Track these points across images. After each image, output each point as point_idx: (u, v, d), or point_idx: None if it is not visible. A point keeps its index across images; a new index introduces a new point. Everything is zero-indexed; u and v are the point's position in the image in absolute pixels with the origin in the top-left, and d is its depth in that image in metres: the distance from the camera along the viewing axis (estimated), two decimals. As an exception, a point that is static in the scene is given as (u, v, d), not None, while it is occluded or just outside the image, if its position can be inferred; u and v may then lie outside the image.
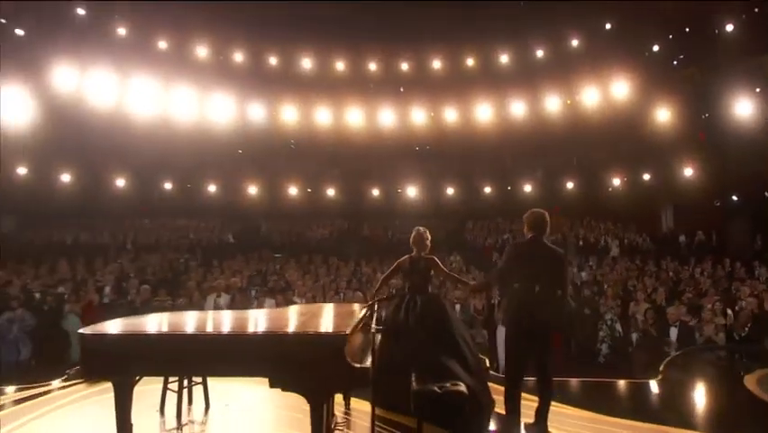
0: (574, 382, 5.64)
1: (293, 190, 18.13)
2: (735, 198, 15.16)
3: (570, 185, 18.05)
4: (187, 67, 17.51)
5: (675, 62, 16.31)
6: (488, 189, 18.92)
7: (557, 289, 3.87)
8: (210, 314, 4.19)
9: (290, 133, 18.62)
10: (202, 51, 17.99)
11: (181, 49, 17.81)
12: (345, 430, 3.92)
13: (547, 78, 17.98)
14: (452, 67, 19.29)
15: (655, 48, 16.52)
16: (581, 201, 17.64)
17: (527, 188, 18.40)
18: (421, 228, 4.63)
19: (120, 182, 16.61)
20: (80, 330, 3.28)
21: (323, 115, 18.57)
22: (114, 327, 3.40)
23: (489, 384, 4.12)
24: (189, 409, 4.50)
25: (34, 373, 6.81)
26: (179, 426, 4.21)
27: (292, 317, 3.70)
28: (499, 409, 4.00)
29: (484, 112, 18.61)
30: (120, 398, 3.35)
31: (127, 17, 17.23)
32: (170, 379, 4.24)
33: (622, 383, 5.70)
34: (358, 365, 3.05)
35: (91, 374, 3.41)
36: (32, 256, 12.97)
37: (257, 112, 18.17)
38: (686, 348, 6.90)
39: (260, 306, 8.35)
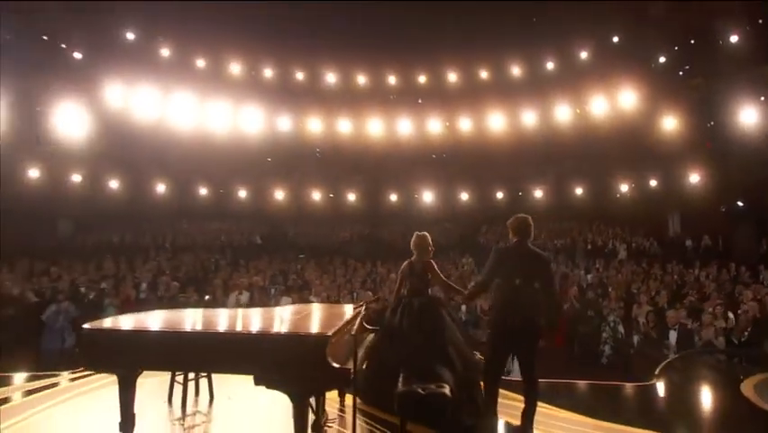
0: (568, 383, 5.33)
1: (317, 196, 18.20)
2: (740, 203, 14.39)
3: (579, 190, 17.55)
4: (221, 83, 17.84)
5: (681, 73, 15.63)
6: (500, 194, 18.62)
7: (544, 289, 3.64)
8: (207, 312, 4.10)
9: (315, 142, 18.75)
10: (235, 69, 18.29)
11: (217, 67, 18.16)
12: (336, 427, 3.78)
13: (557, 88, 17.60)
14: (467, 79, 19.14)
15: (662, 59, 15.89)
16: (590, 206, 17.12)
17: (538, 193, 18.01)
18: (421, 233, 4.44)
19: (161, 188, 16.99)
20: (84, 325, 3.27)
21: (345, 126, 18.65)
22: (112, 322, 3.37)
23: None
24: (196, 401, 4.46)
25: (76, 360, 6.93)
26: (183, 416, 4.17)
27: (283, 317, 3.59)
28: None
29: (497, 121, 18.39)
30: (123, 389, 3.33)
31: (169, 40, 17.65)
32: (177, 372, 4.19)
33: (615, 386, 5.36)
34: (337, 365, 2.93)
35: (88, 366, 3.35)
36: (85, 255, 13.37)
37: (285, 123, 18.41)
38: (684, 351, 6.47)
39: (276, 303, 8.32)
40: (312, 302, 8.59)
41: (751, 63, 13.26)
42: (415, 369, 3.56)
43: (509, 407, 3.99)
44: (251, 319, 3.58)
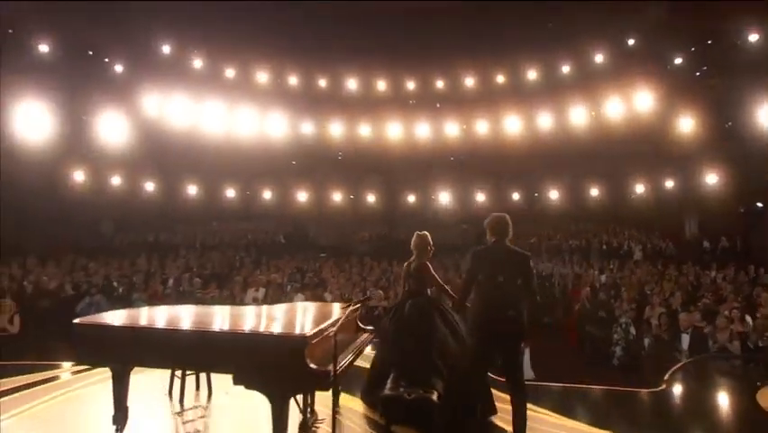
0: (574, 388, 4.89)
1: (338, 197, 18.12)
2: (759, 204, 13.44)
3: (595, 192, 16.88)
4: (249, 91, 17.97)
5: (698, 73, 14.72)
6: (516, 196, 18.13)
7: (524, 287, 3.33)
8: (201, 310, 3.95)
9: (337, 146, 18.67)
10: (262, 78, 18.39)
11: (244, 76, 18.31)
12: (325, 428, 3.57)
13: (573, 91, 16.97)
14: (483, 83, 18.71)
15: (678, 60, 14.99)
16: (606, 208, 16.43)
17: (554, 194, 17.43)
18: (421, 233, 4.15)
19: (192, 190, 17.23)
20: (75, 320, 3.18)
21: (365, 130, 18.53)
22: (99, 318, 3.26)
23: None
24: (197, 395, 4.35)
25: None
26: (182, 410, 4.06)
27: (268, 316, 3.40)
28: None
29: (513, 124, 17.92)
30: (115, 382, 3.24)
31: (201, 52, 17.91)
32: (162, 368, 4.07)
33: (623, 392, 4.83)
34: (315, 366, 2.71)
35: (78, 359, 3.25)
36: (123, 253, 13.66)
37: (308, 128, 18.43)
38: (697, 356, 5.87)
39: (290, 301, 8.20)
40: (326, 300, 8.45)
41: (769, 62, 12.37)
42: (404, 372, 3.31)
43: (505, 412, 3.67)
44: (236, 318, 3.40)
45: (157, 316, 3.45)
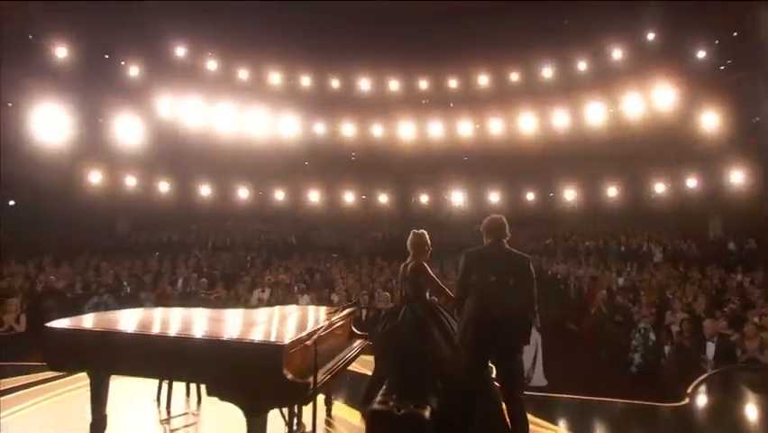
0: (591, 401, 4.50)
1: (350, 198, 17.90)
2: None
3: (612, 191, 16.25)
4: (262, 92, 17.93)
5: (722, 67, 13.96)
6: (531, 196, 17.63)
7: (522, 290, 3.03)
8: (184, 313, 3.71)
9: (349, 146, 18.48)
10: (274, 79, 18.33)
11: (257, 78, 18.28)
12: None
13: (590, 88, 16.39)
14: (497, 81, 18.30)
15: (701, 54, 14.26)
16: (624, 208, 15.79)
17: (569, 194, 16.87)
18: (418, 231, 3.78)
19: (206, 191, 17.23)
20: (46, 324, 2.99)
21: (378, 131, 18.30)
22: (68, 322, 3.05)
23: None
24: (187, 401, 4.13)
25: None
26: (169, 417, 3.85)
27: (250, 322, 3.14)
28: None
29: (528, 123, 17.44)
30: (92, 389, 3.03)
31: (214, 55, 17.94)
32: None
33: (638, 406, 4.38)
34: (292, 378, 2.44)
35: (46, 364, 3.05)
36: (138, 253, 13.69)
37: (320, 128, 18.26)
38: (724, 367, 5.31)
39: (296, 302, 7.99)
40: (332, 301, 8.20)
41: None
42: (396, 385, 3.01)
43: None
44: (215, 323, 3.15)
45: (132, 320, 3.23)
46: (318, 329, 2.59)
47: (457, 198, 18.01)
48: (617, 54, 16.27)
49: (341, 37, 16.90)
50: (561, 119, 16.96)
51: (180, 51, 17.60)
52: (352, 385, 4.44)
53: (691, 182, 14.64)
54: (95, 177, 15.40)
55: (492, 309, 2.95)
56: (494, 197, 17.61)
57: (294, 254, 13.76)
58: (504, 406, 3.07)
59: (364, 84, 18.65)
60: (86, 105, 14.69)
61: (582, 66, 17.03)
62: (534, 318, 3.23)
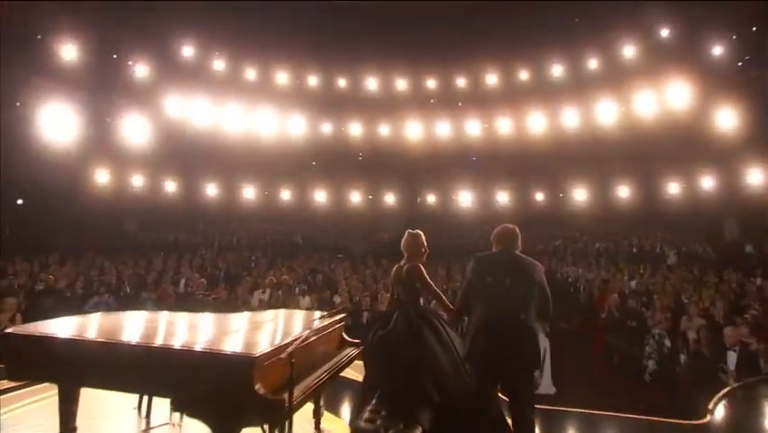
0: (594, 415, 4.06)
1: (357, 198, 17.64)
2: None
3: (624, 191, 15.74)
4: (269, 92, 17.77)
5: (740, 63, 13.38)
6: (540, 196, 17.18)
7: (534, 297, 2.76)
8: (153, 317, 3.44)
9: (357, 146, 18.25)
10: (282, 79, 18.16)
11: (265, 77, 18.12)
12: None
13: (601, 86, 15.92)
14: (506, 80, 17.92)
15: (717, 50, 13.69)
16: (637, 208, 15.27)
17: (580, 194, 16.39)
18: (414, 231, 3.46)
19: (213, 190, 17.11)
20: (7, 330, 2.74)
21: (385, 130, 18.03)
22: (26, 328, 2.80)
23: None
24: (171, 410, 3.86)
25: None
26: (148, 427, 3.58)
27: (225, 330, 2.85)
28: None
29: (537, 121, 17.04)
30: (61, 399, 2.77)
31: (221, 54, 17.83)
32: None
33: (655, 422, 3.92)
34: (264, 393, 2.16)
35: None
36: (145, 252, 13.57)
37: (327, 128, 18.06)
38: (747, 379, 4.79)
39: (296, 303, 7.74)
40: (335, 303, 7.92)
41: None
42: (386, 399, 2.71)
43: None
44: (189, 330, 2.87)
45: (96, 326, 2.97)
46: (294, 340, 2.29)
47: (465, 198, 17.64)
48: (628, 51, 15.77)
49: (348, 36, 16.70)
50: (571, 118, 16.52)
51: (188, 51, 17.51)
52: (346, 393, 4.16)
53: (707, 182, 14.10)
54: (102, 176, 15.36)
55: (501, 312, 2.71)
56: (502, 197, 17.24)
57: (300, 254, 13.52)
58: (510, 424, 2.76)
59: (371, 83, 18.40)
60: (94, 104, 14.64)
61: (593, 64, 16.56)
62: (545, 326, 2.96)
